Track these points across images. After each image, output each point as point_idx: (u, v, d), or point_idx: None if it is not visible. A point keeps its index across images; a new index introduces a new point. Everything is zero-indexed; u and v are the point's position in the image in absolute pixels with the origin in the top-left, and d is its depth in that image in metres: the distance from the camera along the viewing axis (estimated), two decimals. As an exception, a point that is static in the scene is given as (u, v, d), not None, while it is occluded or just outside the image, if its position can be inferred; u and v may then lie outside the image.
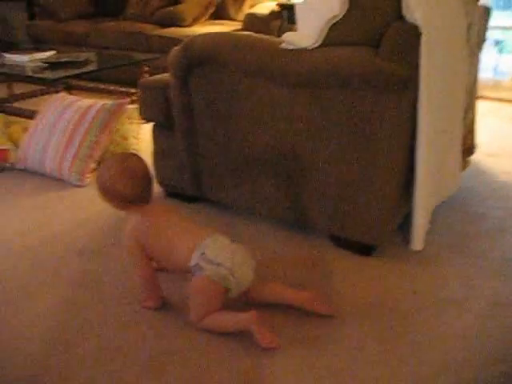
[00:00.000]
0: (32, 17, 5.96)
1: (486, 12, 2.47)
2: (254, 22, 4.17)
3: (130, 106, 2.95)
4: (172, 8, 4.71)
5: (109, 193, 1.61)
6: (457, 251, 2.00)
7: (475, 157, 2.66)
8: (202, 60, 2.02)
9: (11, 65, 3.45)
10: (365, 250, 1.97)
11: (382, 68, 1.66)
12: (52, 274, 1.88)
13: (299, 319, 1.61)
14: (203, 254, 1.52)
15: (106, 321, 1.62)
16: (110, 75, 4.22)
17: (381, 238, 1.93)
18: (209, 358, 1.46)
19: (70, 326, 1.60)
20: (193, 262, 1.53)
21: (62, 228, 2.21)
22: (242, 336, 1.51)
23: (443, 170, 1.98)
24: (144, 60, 3.53)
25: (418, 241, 1.89)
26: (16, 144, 2.89)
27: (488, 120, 3.57)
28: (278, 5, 4.09)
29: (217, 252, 1.52)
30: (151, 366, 1.43)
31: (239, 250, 1.56)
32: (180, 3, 4.79)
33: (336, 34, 1.78)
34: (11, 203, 2.46)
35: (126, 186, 1.58)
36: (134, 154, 1.70)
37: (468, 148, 2.40)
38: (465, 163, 2.39)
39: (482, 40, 2.38)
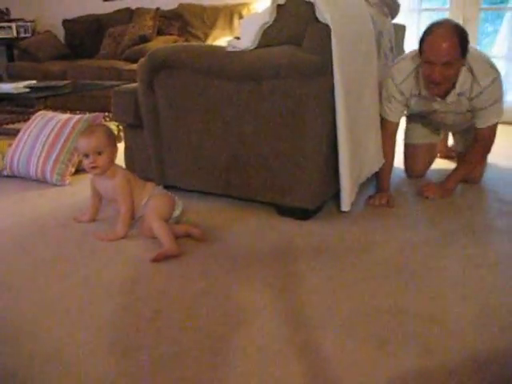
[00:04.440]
0: (11, 59, 6.43)
1: (401, 28, 2.99)
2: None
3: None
4: (140, 46, 5.20)
5: (115, 145, 2.24)
6: (379, 213, 2.45)
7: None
8: (163, 65, 2.46)
9: (-3, 92, 3.87)
10: (304, 215, 2.38)
11: (303, 58, 2.12)
12: (38, 240, 2.26)
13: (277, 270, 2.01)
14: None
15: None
16: (84, 104, 4.65)
17: (314, 203, 2.34)
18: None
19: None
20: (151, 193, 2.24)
21: (45, 212, 2.59)
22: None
23: (363, 148, 2.42)
24: (114, 85, 3.95)
25: (345, 202, 2.30)
26: (2, 155, 3.27)
27: None
28: (235, 38, 4.60)
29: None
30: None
31: None
32: (148, 42, 5.29)
33: (268, 37, 2.24)
34: (1, 199, 2.83)
35: None
36: None
37: None
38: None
39: (397, 49, 2.87)
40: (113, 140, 2.23)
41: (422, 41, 2.35)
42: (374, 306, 1.66)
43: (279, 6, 2.18)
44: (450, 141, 3.25)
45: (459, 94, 2.45)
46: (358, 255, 2.03)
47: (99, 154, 2.15)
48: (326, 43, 2.11)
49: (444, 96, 2.48)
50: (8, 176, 3.21)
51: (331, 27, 2.08)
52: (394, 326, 1.55)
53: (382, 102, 2.59)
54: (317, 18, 2.12)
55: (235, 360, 1.42)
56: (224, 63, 2.30)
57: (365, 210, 2.51)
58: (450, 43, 2.25)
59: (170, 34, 5.44)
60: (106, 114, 3.99)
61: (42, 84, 3.95)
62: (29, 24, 6.48)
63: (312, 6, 2.10)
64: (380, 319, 1.59)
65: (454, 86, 2.42)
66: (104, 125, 2.39)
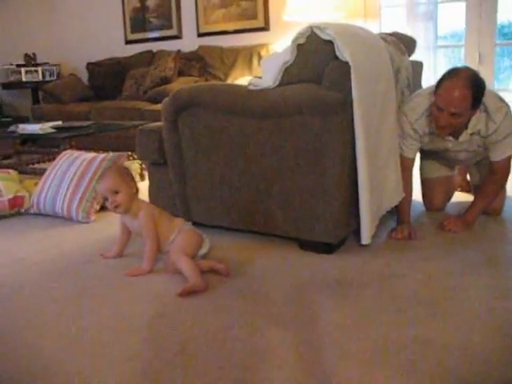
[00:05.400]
0: (36, 101, 6.62)
1: (417, 65, 3.05)
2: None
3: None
4: (162, 87, 5.33)
5: (132, 181, 2.30)
6: (401, 245, 2.46)
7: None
8: (186, 105, 2.53)
9: (24, 132, 3.99)
10: (326, 249, 2.40)
11: (323, 96, 2.18)
12: (65, 276, 2.30)
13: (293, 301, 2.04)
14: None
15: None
16: (108, 143, 4.76)
17: (337, 237, 2.36)
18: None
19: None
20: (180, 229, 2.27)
21: (72, 248, 2.65)
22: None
23: (382, 182, 2.45)
24: (137, 125, 4.04)
25: (365, 236, 2.32)
26: (29, 193, 3.35)
27: None
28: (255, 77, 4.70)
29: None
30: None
31: None
32: (169, 83, 5.42)
33: (289, 75, 2.31)
34: (29, 235, 2.90)
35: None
36: None
37: None
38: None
39: (414, 86, 2.93)
40: (127, 177, 2.29)
41: (439, 83, 2.40)
42: (400, 337, 1.67)
43: (299, 45, 2.25)
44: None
45: (472, 134, 2.50)
46: (380, 287, 2.05)
47: (116, 193, 2.22)
48: (346, 80, 2.16)
49: (457, 136, 2.53)
50: (35, 214, 3.28)
51: (351, 65, 2.14)
52: (421, 356, 1.55)
53: (398, 139, 2.63)
54: (336, 56, 2.18)
55: (263, 391, 1.44)
56: (246, 102, 2.37)
57: (386, 242, 2.52)
58: (461, 96, 2.28)
59: (191, 75, 5.57)
60: (130, 153, 4.07)
61: (67, 124, 4.07)
62: (54, 67, 6.69)
63: (332, 44, 2.17)
64: (406, 350, 1.59)
65: (466, 127, 2.47)
66: (116, 165, 2.50)
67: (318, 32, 2.20)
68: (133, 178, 2.32)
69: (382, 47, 2.48)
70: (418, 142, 2.65)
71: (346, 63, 2.15)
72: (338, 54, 2.17)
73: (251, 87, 2.39)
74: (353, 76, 2.14)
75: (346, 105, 2.19)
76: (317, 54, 2.23)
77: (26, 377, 1.55)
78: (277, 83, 2.33)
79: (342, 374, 1.49)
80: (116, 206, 2.23)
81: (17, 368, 1.60)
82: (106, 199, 2.28)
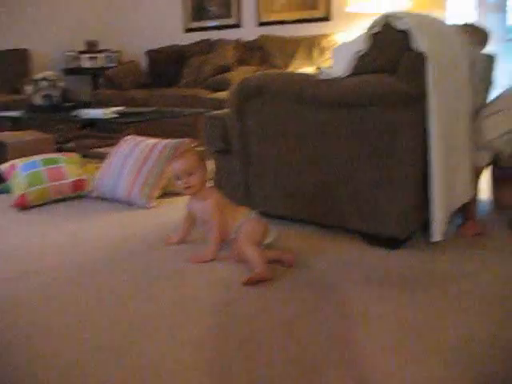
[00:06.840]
0: (95, 88, 6.73)
1: (491, 58, 2.93)
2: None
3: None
4: (222, 75, 5.33)
5: (205, 166, 2.32)
6: (470, 243, 2.40)
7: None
8: (254, 92, 2.51)
9: (88, 117, 4.05)
10: (393, 244, 2.34)
11: (397, 88, 2.12)
12: (128, 261, 2.32)
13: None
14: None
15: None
16: (166, 130, 4.76)
17: (404, 232, 2.30)
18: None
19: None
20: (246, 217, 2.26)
21: (134, 233, 2.67)
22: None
23: (455, 178, 2.37)
24: (199, 112, 4.04)
25: (436, 232, 2.24)
26: (91, 177, 3.40)
27: None
28: (317, 68, 4.65)
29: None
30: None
31: None
32: (229, 71, 5.41)
33: (361, 65, 2.25)
34: (91, 218, 2.94)
35: None
36: None
37: None
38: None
39: (487, 80, 2.81)
40: (202, 162, 2.31)
41: None
42: (467, 336, 1.61)
43: (374, 35, 2.19)
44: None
45: None
46: (448, 286, 1.98)
47: (190, 175, 2.23)
48: (421, 72, 2.09)
49: None
50: (96, 197, 3.33)
51: (427, 56, 2.07)
52: (489, 357, 1.49)
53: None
54: (412, 47, 2.12)
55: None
56: (316, 90, 2.33)
57: (455, 240, 2.44)
58: None
59: (250, 65, 5.55)
60: (191, 140, 4.07)
61: (130, 110, 4.12)
62: (114, 54, 6.78)
63: (407, 34, 2.10)
64: (471, 350, 1.54)
65: None
66: (193, 149, 2.50)
67: (393, 21, 2.13)
68: (205, 165, 2.32)
69: (459, 39, 2.39)
70: (492, 154, 2.53)
71: (422, 54, 2.08)
72: (413, 44, 2.10)
73: (322, 76, 2.34)
74: (429, 68, 2.08)
75: (421, 97, 2.12)
76: (392, 44, 2.17)
77: (94, 353, 1.57)
78: (348, 72, 2.28)
79: (408, 368, 1.44)
80: (188, 187, 2.25)
81: (83, 345, 1.63)
82: (177, 178, 2.28)
